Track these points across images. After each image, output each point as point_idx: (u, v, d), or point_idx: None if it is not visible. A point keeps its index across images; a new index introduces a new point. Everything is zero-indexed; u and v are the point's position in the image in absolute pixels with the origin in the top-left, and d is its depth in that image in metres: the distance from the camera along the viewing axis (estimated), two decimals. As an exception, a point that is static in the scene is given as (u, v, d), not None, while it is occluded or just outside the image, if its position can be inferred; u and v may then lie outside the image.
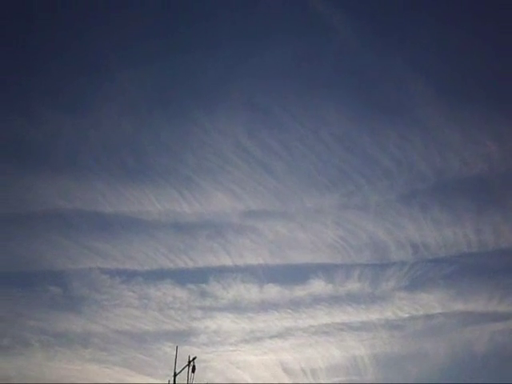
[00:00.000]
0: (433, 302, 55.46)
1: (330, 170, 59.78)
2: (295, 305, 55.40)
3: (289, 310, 55.03)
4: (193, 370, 33.75)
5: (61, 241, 54.77)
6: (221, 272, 56.35)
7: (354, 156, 60.15)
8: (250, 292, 56.05)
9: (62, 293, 53.08)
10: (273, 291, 56.30)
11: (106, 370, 49.45)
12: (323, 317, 54.97)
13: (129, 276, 54.85)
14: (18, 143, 56.21)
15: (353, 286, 56.42)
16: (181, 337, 52.86)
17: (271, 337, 53.89)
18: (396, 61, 60.29)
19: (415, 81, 59.26)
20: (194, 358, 34.03)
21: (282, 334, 54.07)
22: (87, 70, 59.82)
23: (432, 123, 58.69)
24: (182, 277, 56.23)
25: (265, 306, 55.32)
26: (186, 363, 33.95)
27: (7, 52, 57.97)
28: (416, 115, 59.40)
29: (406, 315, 54.95)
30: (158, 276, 55.69)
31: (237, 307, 55.11)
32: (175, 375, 34.02)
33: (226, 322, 54.16)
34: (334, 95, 61.13)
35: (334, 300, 55.69)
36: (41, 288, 52.80)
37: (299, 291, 55.98)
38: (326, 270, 56.77)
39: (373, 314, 55.36)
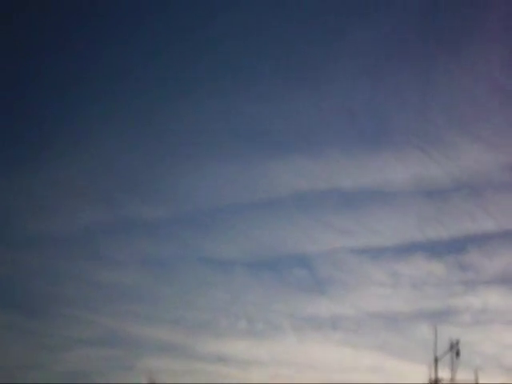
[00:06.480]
0: None
1: None
2: None
3: None
4: (457, 355, 30.30)
5: (303, 222, 54.03)
6: (482, 239, 50.10)
7: None
8: (524, 260, 49.07)
9: (308, 275, 52.39)
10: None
11: (359, 353, 47.21)
12: None
13: (376, 252, 51.96)
14: (251, 130, 56.91)
15: None
16: (439, 316, 47.89)
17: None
18: None
19: None
20: (457, 341, 30.64)
21: None
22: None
23: None
24: (436, 248, 51.53)
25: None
26: (448, 346, 30.53)
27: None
28: None
29: None
30: (408, 250, 51.85)
31: (506, 279, 48.36)
32: (436, 360, 30.58)
33: (494, 298, 47.83)
34: None
35: None
36: (287, 271, 52.89)
37: None
38: None
39: None
